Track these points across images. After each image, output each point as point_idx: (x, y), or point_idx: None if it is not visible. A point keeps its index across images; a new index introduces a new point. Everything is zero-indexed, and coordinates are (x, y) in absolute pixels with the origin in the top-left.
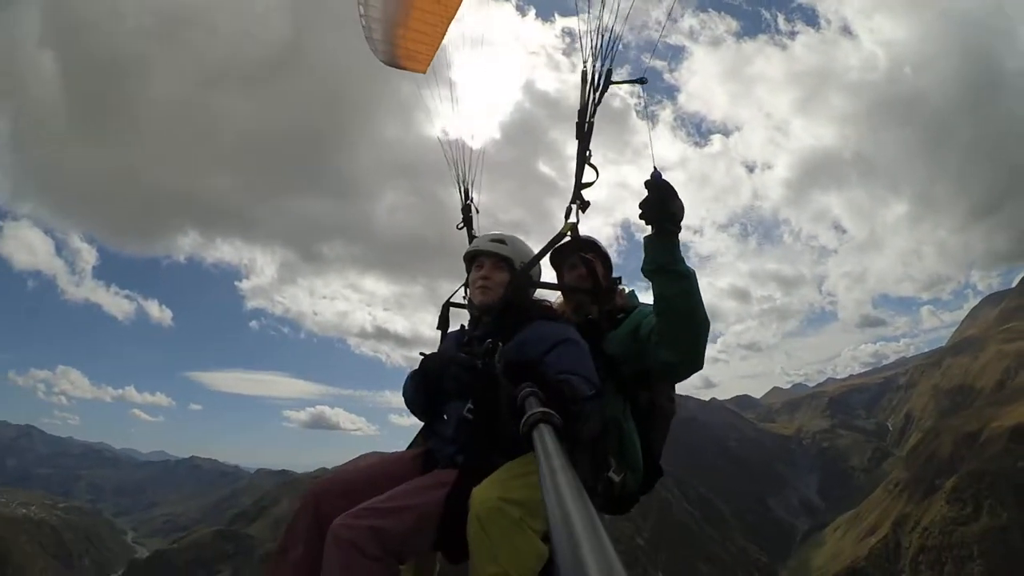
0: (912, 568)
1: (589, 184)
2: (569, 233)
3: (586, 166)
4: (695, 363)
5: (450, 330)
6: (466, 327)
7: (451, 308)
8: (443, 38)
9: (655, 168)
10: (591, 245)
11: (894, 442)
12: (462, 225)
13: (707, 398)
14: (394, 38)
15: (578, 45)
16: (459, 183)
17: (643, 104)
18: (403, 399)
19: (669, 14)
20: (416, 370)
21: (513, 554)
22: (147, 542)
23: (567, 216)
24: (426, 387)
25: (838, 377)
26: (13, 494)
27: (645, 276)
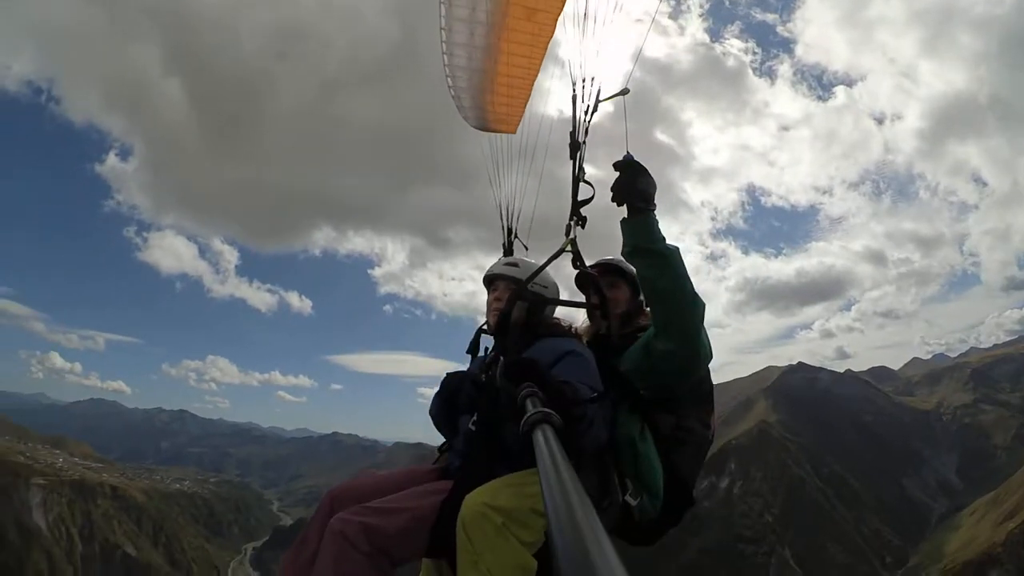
0: None
1: (587, 201)
2: (569, 248)
3: (582, 184)
4: (690, 346)
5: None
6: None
7: (483, 334)
8: (528, 98)
9: (627, 152)
10: (616, 270)
11: None
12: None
13: (841, 370)
14: (484, 104)
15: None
16: (504, 226)
17: (624, 113)
18: (430, 416)
19: None
20: (439, 389)
21: (496, 561)
22: (291, 511)
23: (567, 233)
24: (447, 403)
25: (982, 346)
26: (168, 472)
27: (625, 259)
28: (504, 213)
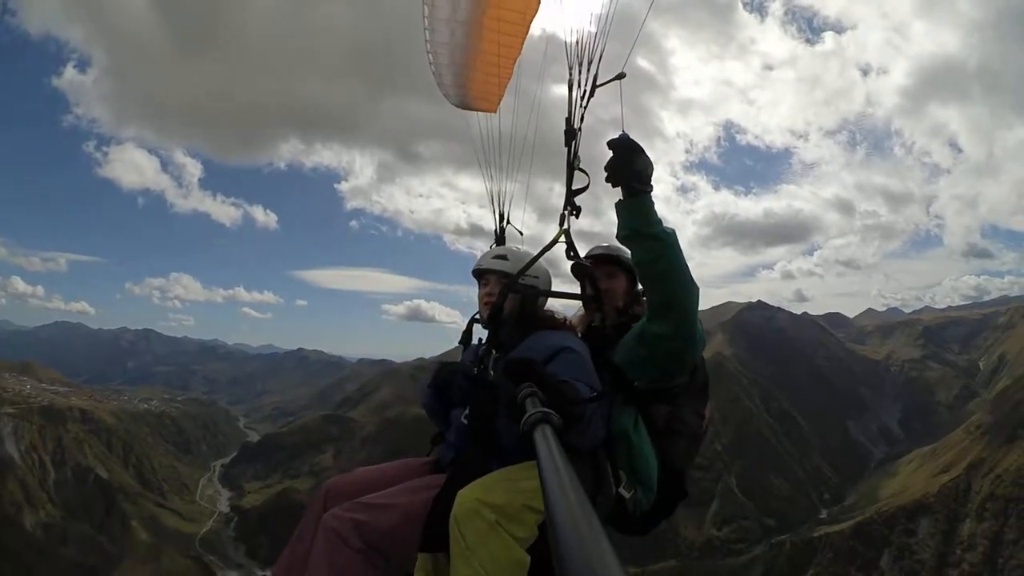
0: (978, 513)
1: (582, 190)
2: (563, 239)
3: (577, 171)
4: (686, 330)
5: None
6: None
7: (475, 324)
8: (510, 77)
9: (623, 131)
10: (613, 259)
11: (983, 383)
12: (494, 245)
13: (799, 312)
14: (465, 82)
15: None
16: (495, 211)
17: (620, 96)
18: (423, 407)
19: None
20: (431, 379)
21: (487, 558)
22: (258, 427)
23: (561, 223)
24: (439, 395)
25: (936, 307)
26: (135, 392)
27: (620, 243)
28: (495, 199)
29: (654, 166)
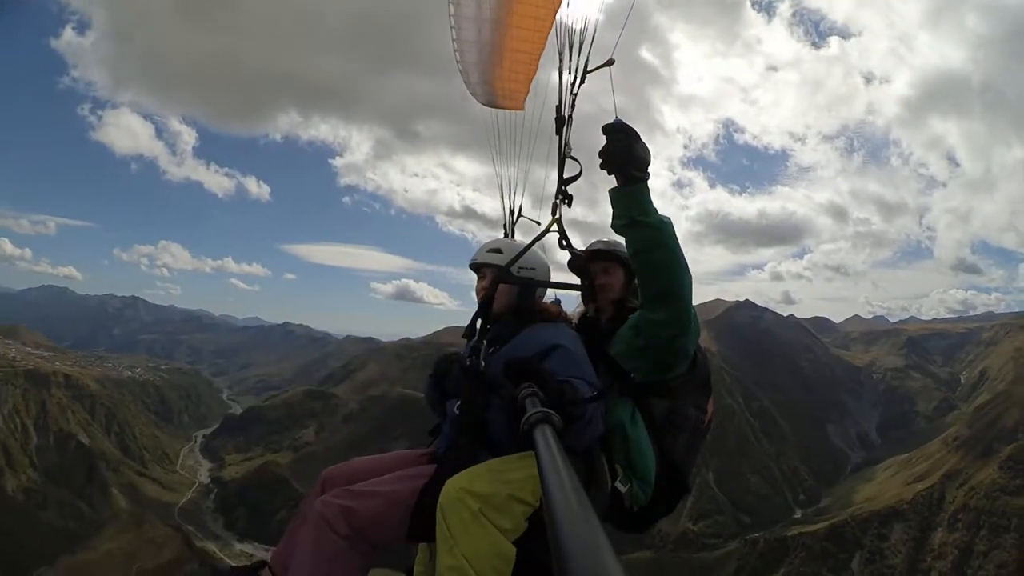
0: (950, 523)
1: (574, 178)
2: (555, 228)
3: (568, 160)
4: (682, 316)
5: None
6: None
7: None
8: (535, 73)
9: (616, 117)
10: (611, 255)
11: (963, 396)
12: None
13: (785, 313)
14: (493, 80)
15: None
16: (506, 204)
17: (611, 84)
18: (424, 398)
19: None
20: (432, 370)
21: (471, 547)
22: (241, 399)
23: (553, 211)
24: (437, 385)
25: (921, 318)
26: (120, 359)
27: (616, 232)
28: (507, 192)
29: (651, 154)
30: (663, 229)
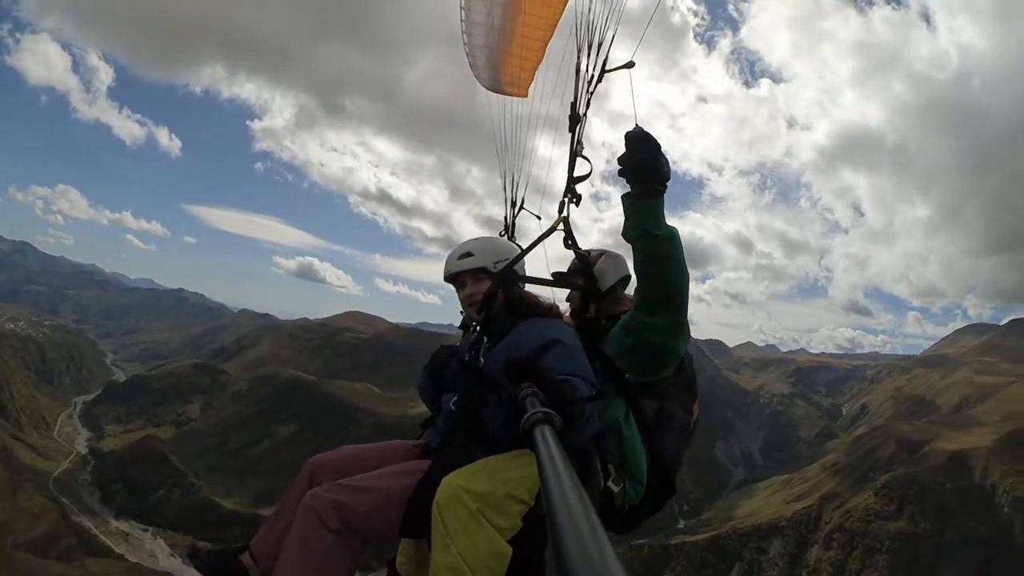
0: (825, 541)
1: (583, 177)
2: (561, 227)
3: (578, 159)
4: (681, 320)
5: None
6: None
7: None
8: (541, 61)
9: (637, 124)
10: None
11: (844, 426)
12: (504, 233)
13: None
14: (499, 65)
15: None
16: (508, 198)
17: (631, 88)
18: (417, 390)
19: None
20: (428, 362)
21: (468, 546)
22: (126, 366)
23: (560, 210)
24: (433, 378)
25: (811, 351)
26: (2, 310)
27: (627, 240)
28: (509, 185)
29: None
30: (673, 241)
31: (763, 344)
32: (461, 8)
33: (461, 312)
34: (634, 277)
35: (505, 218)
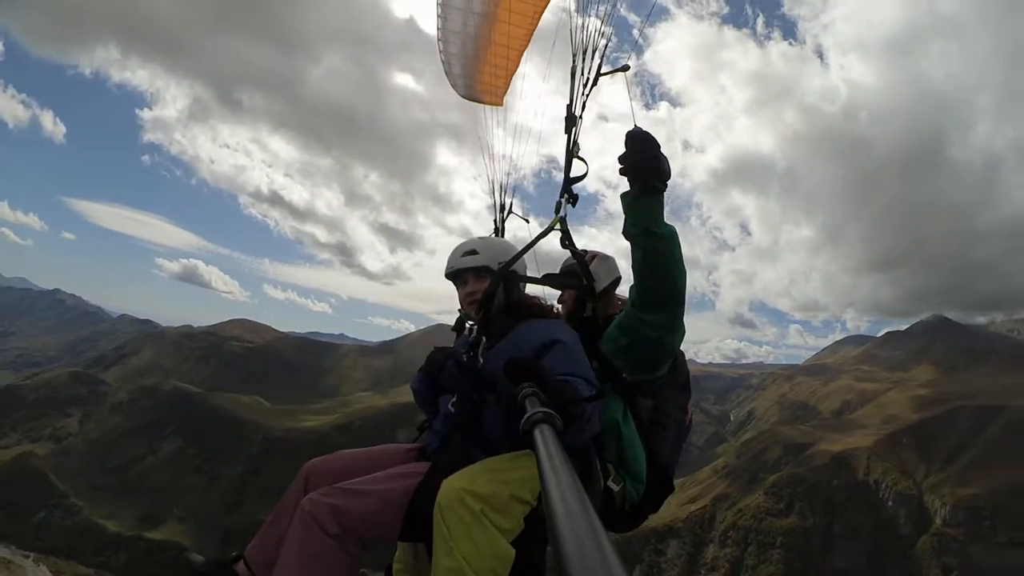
0: (721, 539)
1: (580, 178)
2: (559, 227)
3: (576, 159)
4: (677, 320)
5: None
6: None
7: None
8: (516, 71)
9: (635, 125)
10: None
11: (732, 432)
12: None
13: None
14: (474, 73)
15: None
16: (496, 202)
17: (627, 89)
18: (412, 392)
19: None
20: (424, 364)
21: (471, 548)
22: None
23: (556, 210)
24: (430, 380)
25: (698, 360)
26: None
27: (627, 238)
28: (497, 189)
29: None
30: (673, 240)
31: None
32: (437, 16)
33: (459, 310)
34: (625, 278)
35: (495, 222)
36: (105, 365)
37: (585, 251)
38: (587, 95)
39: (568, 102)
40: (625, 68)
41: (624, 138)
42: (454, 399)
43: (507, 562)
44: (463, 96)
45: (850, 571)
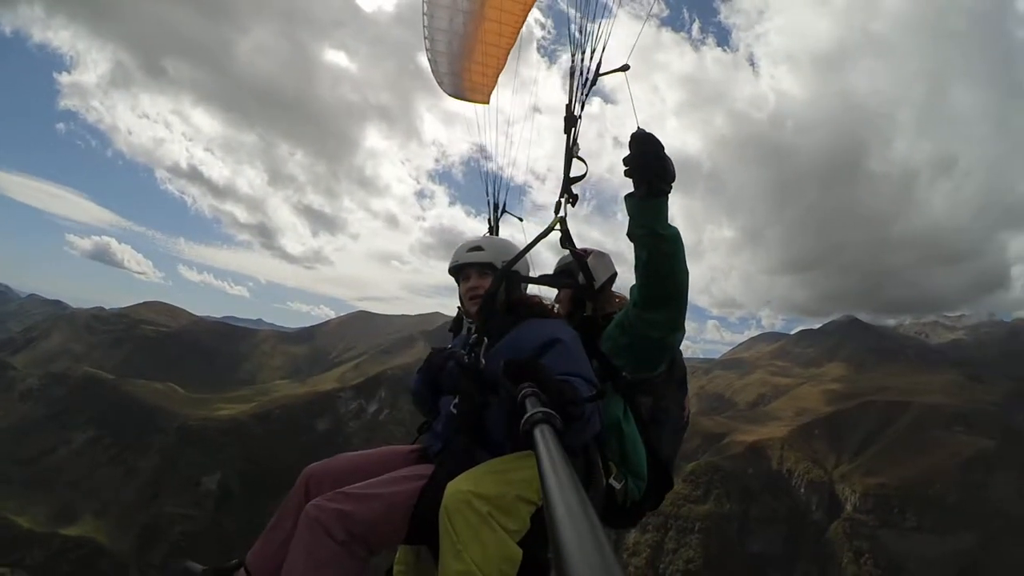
0: (642, 525)
1: (579, 178)
2: (559, 227)
3: (575, 159)
4: (678, 319)
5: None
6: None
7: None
8: (503, 69)
9: (639, 127)
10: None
11: None
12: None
13: None
14: (461, 71)
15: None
16: (491, 201)
17: (628, 88)
18: (411, 394)
19: None
20: (422, 365)
21: (479, 551)
22: None
23: (556, 210)
24: (429, 382)
25: None
26: None
27: (631, 239)
28: (491, 188)
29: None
30: (677, 240)
31: None
32: (424, 14)
33: (458, 307)
34: (623, 276)
35: (489, 220)
36: (13, 349)
37: (586, 249)
38: (586, 95)
39: (567, 102)
40: (625, 67)
41: (628, 140)
42: (456, 400)
43: (515, 563)
44: (450, 94)
45: (766, 555)
